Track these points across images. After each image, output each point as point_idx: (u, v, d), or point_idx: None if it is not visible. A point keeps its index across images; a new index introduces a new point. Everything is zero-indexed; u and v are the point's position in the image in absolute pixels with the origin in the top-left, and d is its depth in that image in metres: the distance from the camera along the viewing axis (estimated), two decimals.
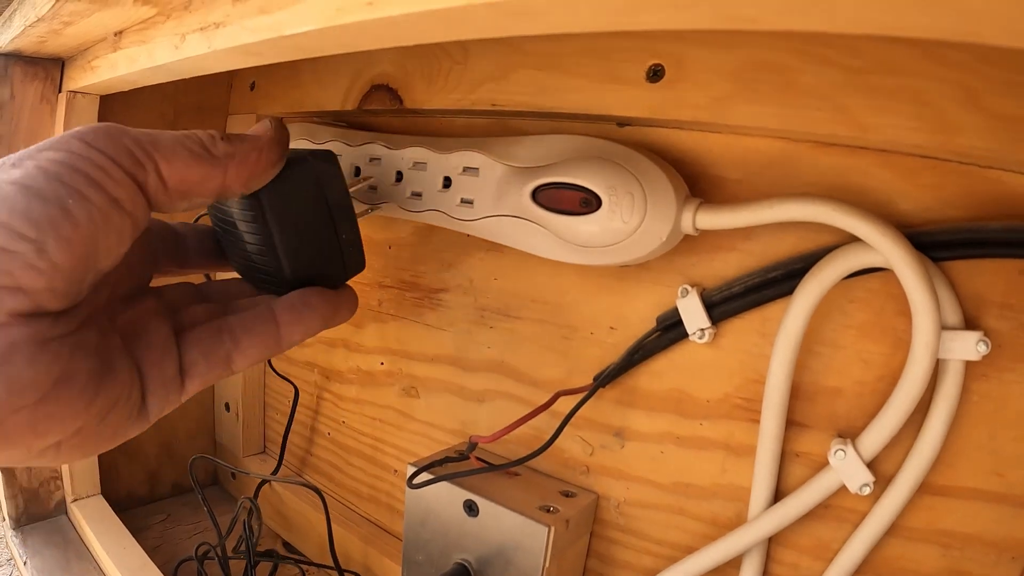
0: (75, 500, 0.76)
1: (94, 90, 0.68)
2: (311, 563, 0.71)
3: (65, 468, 0.75)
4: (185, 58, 0.48)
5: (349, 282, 0.50)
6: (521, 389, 0.58)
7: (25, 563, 0.70)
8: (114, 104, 0.71)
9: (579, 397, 0.53)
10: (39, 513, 0.77)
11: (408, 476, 0.56)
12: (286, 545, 0.79)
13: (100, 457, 0.76)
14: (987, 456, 0.44)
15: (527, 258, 0.56)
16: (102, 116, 0.70)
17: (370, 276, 0.68)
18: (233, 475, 0.88)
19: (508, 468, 0.54)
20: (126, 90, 0.65)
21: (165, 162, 0.36)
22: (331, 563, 0.68)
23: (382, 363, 0.69)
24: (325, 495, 0.74)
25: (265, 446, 0.87)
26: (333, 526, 0.70)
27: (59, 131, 0.69)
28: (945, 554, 0.46)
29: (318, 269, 0.47)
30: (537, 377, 0.58)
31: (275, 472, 0.78)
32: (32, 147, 0.33)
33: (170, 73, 0.54)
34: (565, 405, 0.53)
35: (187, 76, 0.54)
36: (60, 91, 0.69)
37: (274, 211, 0.43)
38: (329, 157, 0.47)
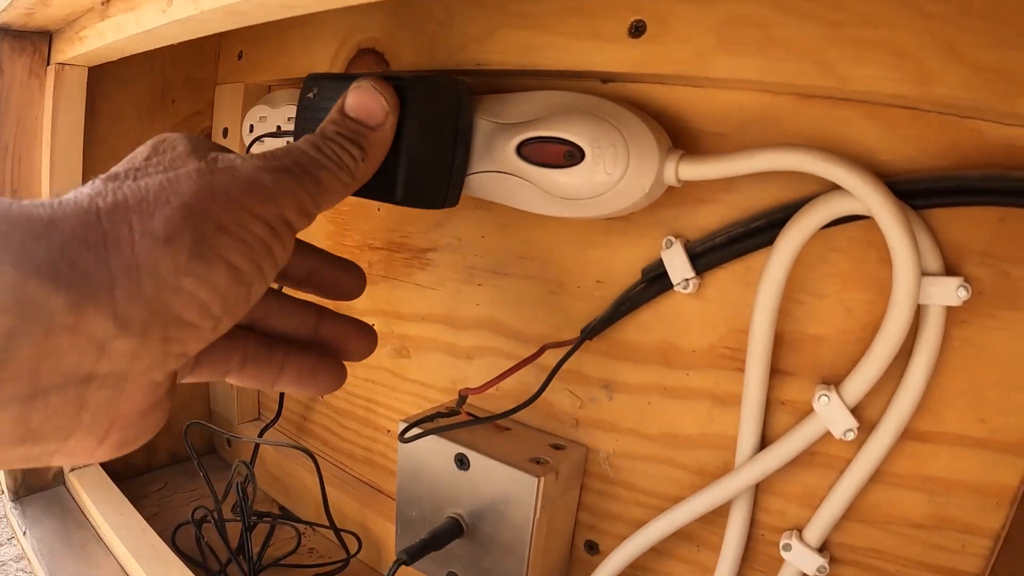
0: (73, 470, 0.78)
1: (82, 61, 0.68)
2: (308, 523, 0.72)
3: None
4: (172, 21, 0.49)
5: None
6: (511, 345, 0.60)
7: (25, 533, 0.71)
8: (104, 80, 0.71)
9: (566, 350, 0.53)
10: (37, 485, 0.78)
11: (400, 431, 0.57)
12: (283, 510, 0.80)
13: None
14: (970, 402, 0.45)
15: (514, 215, 0.57)
16: (92, 91, 0.71)
17: (359, 238, 0.69)
18: (229, 442, 0.89)
19: (496, 420, 0.55)
20: (114, 60, 0.66)
21: (325, 204, 0.37)
22: (326, 523, 0.69)
23: (373, 324, 0.70)
24: (321, 459, 0.75)
25: (260, 412, 0.88)
26: (330, 489, 0.72)
27: (48, 105, 0.69)
28: (931, 500, 0.48)
29: (426, 185, 0.48)
30: (526, 332, 0.59)
31: (262, 433, 0.79)
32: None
33: (158, 39, 0.55)
34: (553, 358, 0.54)
35: (175, 41, 0.55)
36: (48, 64, 0.70)
37: (413, 112, 0.45)
38: (469, 87, 0.49)
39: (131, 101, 0.76)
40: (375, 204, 0.67)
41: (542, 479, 0.53)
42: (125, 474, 0.84)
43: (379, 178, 0.45)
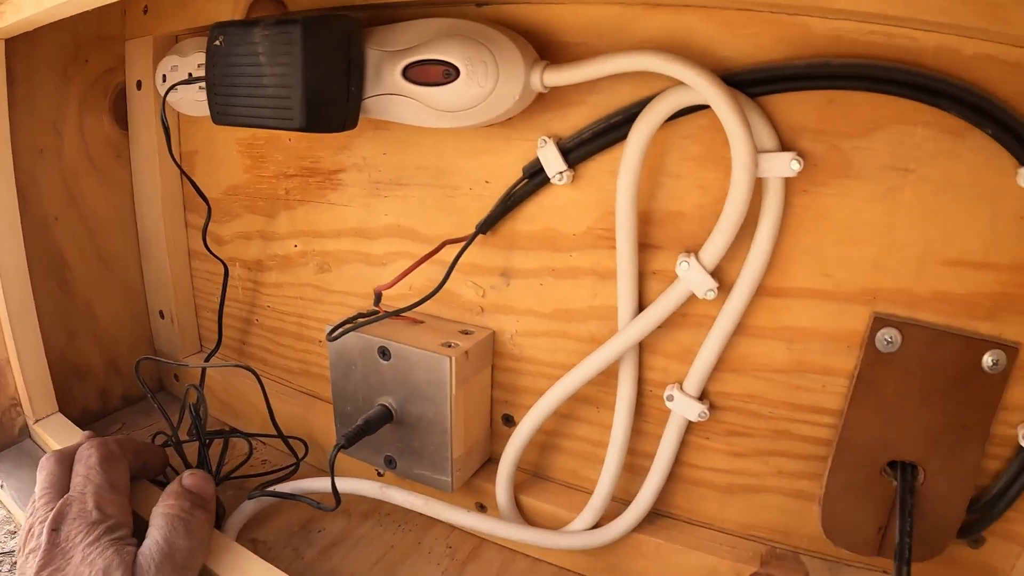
0: (37, 421, 0.81)
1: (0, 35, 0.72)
2: (257, 435, 0.79)
3: (23, 393, 0.80)
4: None
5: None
6: (418, 247, 0.66)
7: (2, 486, 0.76)
8: (18, 45, 0.74)
9: (464, 245, 0.61)
10: (5, 441, 0.82)
11: (327, 333, 0.64)
12: (233, 431, 0.86)
13: (54, 380, 0.82)
14: (814, 260, 0.53)
15: (410, 131, 0.64)
16: (8, 58, 0.73)
17: (275, 168, 0.75)
18: (176, 377, 0.95)
19: (406, 312, 0.62)
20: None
21: None
22: (274, 432, 0.76)
23: (296, 245, 0.77)
24: (263, 376, 0.81)
25: (201, 345, 0.94)
26: (275, 403, 0.78)
27: None
28: (790, 348, 0.56)
29: (325, 112, 0.56)
30: (430, 234, 0.66)
31: (207, 360, 0.85)
32: None
33: (75, 6, 0.59)
34: (454, 253, 0.62)
35: (90, 7, 0.58)
36: None
37: (309, 48, 0.52)
38: (358, 22, 0.56)
39: (46, 63, 0.78)
40: (286, 135, 0.73)
41: (452, 358, 0.60)
42: (84, 420, 0.89)
43: (282, 111, 0.52)
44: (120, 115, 0.85)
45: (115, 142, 0.85)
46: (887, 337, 0.52)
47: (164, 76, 0.77)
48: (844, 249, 0.52)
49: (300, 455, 0.78)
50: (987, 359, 0.50)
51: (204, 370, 0.81)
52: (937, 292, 0.51)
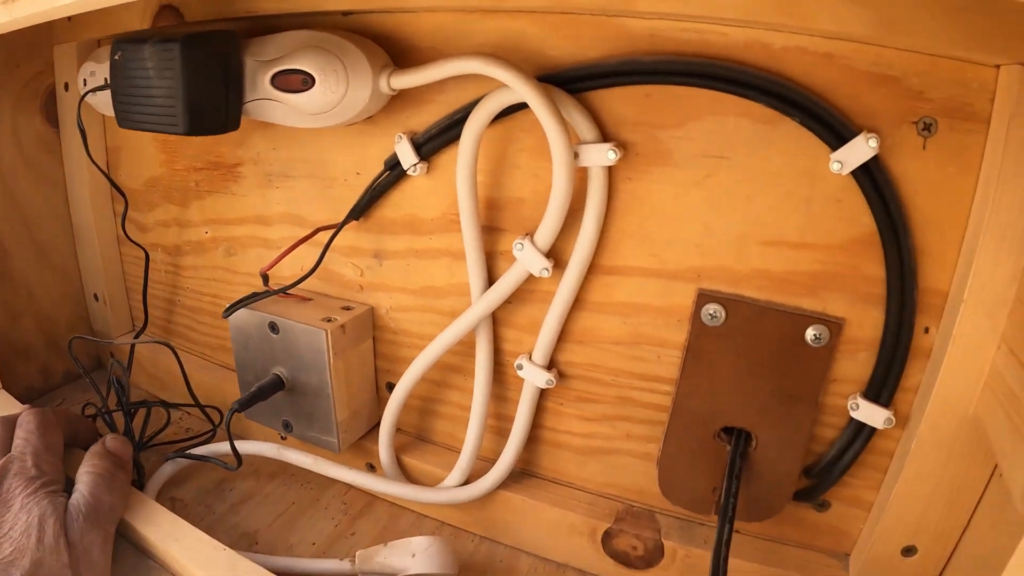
0: None
1: None
2: (177, 405, 0.86)
3: None
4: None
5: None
6: (305, 232, 0.72)
7: None
8: None
9: (335, 229, 0.68)
10: None
11: (224, 311, 0.71)
12: (162, 403, 0.93)
13: None
14: (641, 241, 0.59)
15: (294, 130, 0.71)
16: None
17: (185, 163, 0.81)
18: (112, 354, 1.02)
19: (291, 291, 0.69)
20: None
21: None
22: (192, 402, 0.83)
23: (206, 232, 0.83)
24: (186, 352, 0.89)
25: (133, 324, 1.00)
26: (196, 375, 0.85)
27: None
28: (626, 321, 0.62)
29: (206, 116, 0.62)
30: (315, 220, 0.73)
31: (138, 336, 0.92)
32: None
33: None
34: (339, 239, 0.69)
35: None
36: None
37: (188, 63, 0.59)
38: (235, 35, 0.62)
39: None
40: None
41: (328, 331, 0.68)
42: (28, 397, 0.94)
43: (170, 117, 0.59)
44: (51, 115, 0.90)
45: (47, 140, 0.91)
46: (711, 312, 0.58)
47: (84, 80, 0.82)
48: (668, 231, 0.58)
49: (216, 422, 0.85)
50: (810, 333, 0.55)
51: (133, 347, 0.88)
52: (758, 270, 0.57)
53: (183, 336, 0.93)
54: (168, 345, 0.80)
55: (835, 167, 0.50)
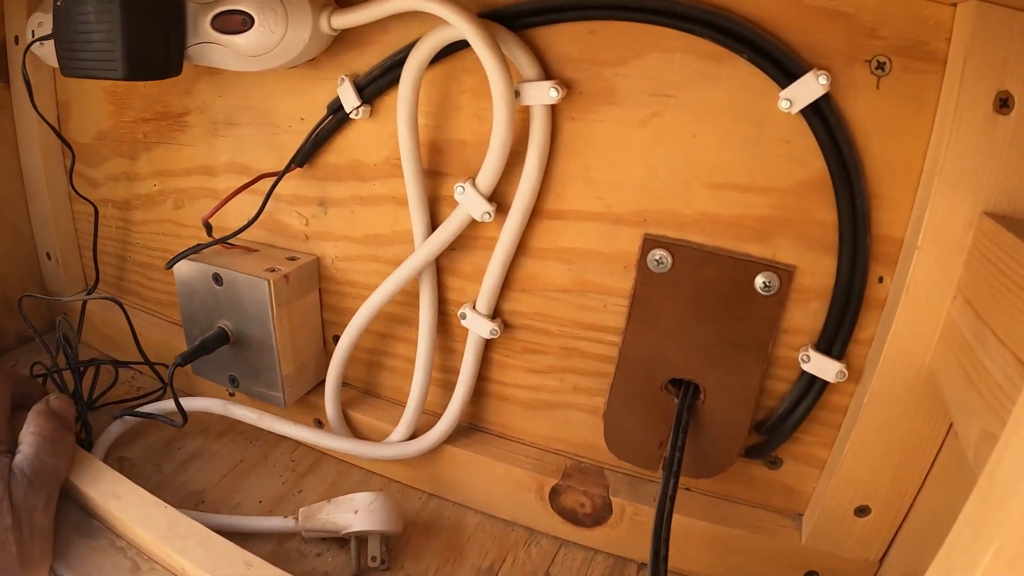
0: None
1: None
2: (126, 363, 0.83)
3: None
4: None
5: None
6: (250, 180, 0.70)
7: None
8: None
9: (278, 177, 0.66)
10: None
11: (167, 263, 0.69)
12: (115, 362, 0.91)
13: None
14: (585, 184, 0.57)
15: (240, 74, 0.68)
16: None
17: (134, 114, 0.79)
18: (65, 315, 0.99)
19: (228, 241, 0.67)
20: None
21: None
22: (141, 360, 0.81)
23: (155, 185, 0.81)
24: (138, 309, 0.87)
25: (87, 283, 0.98)
26: (148, 333, 0.83)
27: None
28: (571, 268, 0.60)
29: (146, 61, 0.60)
30: (260, 169, 0.70)
31: (92, 290, 0.89)
32: None
33: None
34: (283, 188, 0.67)
35: None
36: None
37: (126, 6, 0.56)
38: None
39: None
40: (141, 84, 0.76)
41: (271, 281, 0.65)
42: None
43: (109, 63, 0.56)
44: (2, 70, 0.88)
45: None
46: (657, 257, 0.56)
47: (32, 32, 0.80)
48: (612, 173, 0.56)
49: (167, 379, 0.82)
50: (759, 280, 0.54)
51: (84, 305, 0.86)
52: (705, 214, 0.55)
53: (135, 293, 0.91)
54: (116, 300, 0.78)
55: (784, 105, 0.49)
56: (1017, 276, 0.37)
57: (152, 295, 0.89)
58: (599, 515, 0.66)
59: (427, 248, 0.62)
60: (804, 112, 0.48)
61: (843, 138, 0.48)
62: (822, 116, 0.48)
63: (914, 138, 0.47)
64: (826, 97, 0.48)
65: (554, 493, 0.66)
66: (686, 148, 0.53)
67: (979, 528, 0.27)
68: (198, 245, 0.69)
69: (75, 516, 0.60)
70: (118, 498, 0.58)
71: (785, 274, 0.53)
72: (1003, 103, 0.42)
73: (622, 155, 0.55)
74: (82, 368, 0.80)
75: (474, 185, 0.58)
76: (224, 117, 0.71)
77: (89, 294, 0.87)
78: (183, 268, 0.70)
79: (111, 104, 0.81)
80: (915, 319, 0.48)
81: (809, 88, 0.48)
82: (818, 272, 0.54)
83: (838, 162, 0.49)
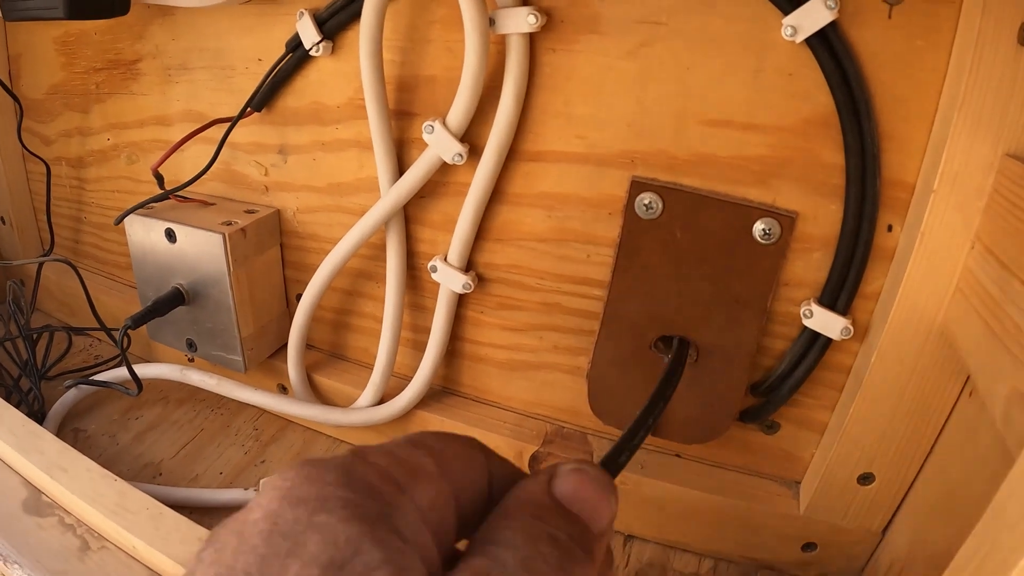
0: None
1: None
2: (81, 329, 0.77)
3: None
4: None
5: None
6: (209, 130, 0.63)
7: None
8: None
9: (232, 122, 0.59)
10: None
11: (115, 219, 0.62)
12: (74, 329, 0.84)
13: None
14: (566, 121, 0.51)
15: (195, 14, 0.61)
16: None
17: (86, 64, 0.72)
18: (22, 282, 0.92)
19: (178, 193, 0.60)
20: None
21: None
22: (97, 326, 0.74)
23: (108, 139, 0.74)
24: (95, 273, 0.80)
25: (43, 247, 0.91)
26: (105, 297, 0.77)
27: None
28: (551, 215, 0.54)
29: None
30: (217, 115, 0.63)
31: (47, 254, 0.82)
32: None
33: None
34: (240, 136, 0.61)
35: None
36: None
37: None
38: None
39: None
40: (93, 30, 0.69)
41: (227, 235, 0.59)
42: None
43: (47, 1, 0.50)
44: None
45: None
46: (646, 202, 0.50)
47: None
48: (597, 110, 0.50)
49: (125, 346, 0.76)
50: (758, 227, 0.48)
51: (39, 270, 0.79)
52: (699, 155, 0.49)
53: (91, 256, 0.84)
54: (69, 263, 0.72)
55: (787, 33, 0.42)
56: None
57: (109, 257, 0.82)
58: None
59: (393, 195, 0.55)
60: (809, 41, 0.42)
61: (852, 71, 0.43)
62: (829, 46, 0.42)
63: (929, 73, 0.41)
64: (833, 25, 0.42)
65: (534, 460, 0.61)
66: (678, 82, 0.47)
67: None
68: (149, 199, 0.62)
69: (21, 491, 0.54)
70: (64, 471, 0.53)
71: (786, 221, 0.47)
72: None
73: (607, 90, 0.49)
74: (35, 335, 0.73)
75: (444, 124, 0.52)
76: (178, 62, 0.65)
77: (42, 257, 0.81)
78: (134, 225, 0.63)
79: (62, 55, 0.74)
80: (929, 270, 0.43)
81: (816, 14, 0.41)
82: (822, 219, 0.48)
83: (846, 98, 0.43)
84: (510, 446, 0.61)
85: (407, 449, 0.25)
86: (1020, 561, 0.26)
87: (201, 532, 0.49)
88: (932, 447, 0.49)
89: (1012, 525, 0.28)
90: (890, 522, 0.54)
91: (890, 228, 0.47)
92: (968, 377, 0.45)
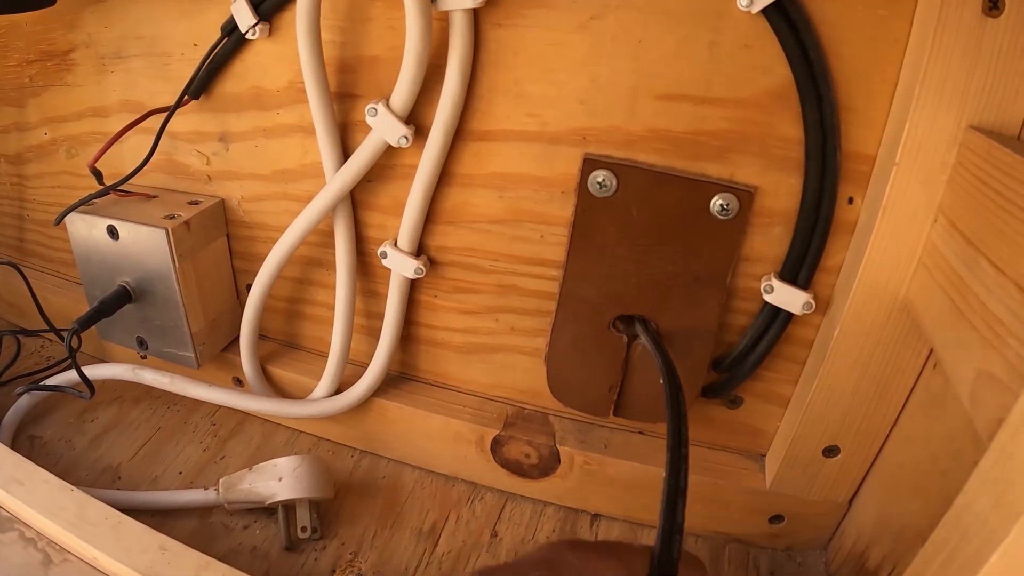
0: None
1: None
2: (32, 332, 0.72)
3: None
4: None
5: None
6: (147, 121, 0.58)
7: None
8: None
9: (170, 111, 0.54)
10: None
11: (55, 219, 0.57)
12: (23, 330, 0.79)
13: None
14: (516, 100, 0.47)
15: (125, 1, 0.56)
16: None
17: (18, 56, 0.66)
18: None
19: (118, 188, 0.56)
20: None
21: None
22: (46, 327, 0.69)
23: (46, 134, 0.68)
24: (42, 272, 0.75)
25: None
26: (53, 297, 0.72)
27: None
28: (502, 196, 0.51)
29: None
30: (155, 105, 0.58)
31: None
32: None
33: None
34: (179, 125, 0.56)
35: None
36: None
37: None
38: None
39: None
40: (24, 21, 0.64)
41: (170, 230, 0.54)
42: None
43: None
44: None
45: None
46: (600, 180, 0.47)
47: None
48: (547, 86, 0.47)
49: (76, 347, 0.70)
50: (716, 203, 0.45)
51: None
52: (654, 130, 0.46)
53: (37, 255, 0.78)
54: (13, 264, 0.67)
55: (743, 3, 0.40)
56: (1018, 197, 0.31)
57: (56, 255, 0.77)
58: (546, 465, 0.57)
59: (339, 180, 0.51)
60: (766, 12, 0.39)
61: (810, 41, 0.40)
62: (787, 17, 0.40)
63: (890, 44, 0.39)
64: None
65: (496, 444, 0.58)
66: (631, 55, 0.44)
67: (1002, 494, 0.24)
68: (89, 196, 0.57)
69: None
70: (21, 484, 0.49)
71: (745, 196, 0.45)
72: (993, 4, 0.34)
73: (558, 65, 0.46)
74: None
75: (388, 106, 0.48)
76: (112, 50, 0.59)
77: None
78: (76, 223, 0.58)
79: None
80: (891, 244, 0.41)
81: None
82: (782, 193, 0.45)
83: (804, 69, 0.41)
84: (471, 430, 0.58)
85: None
86: (992, 555, 0.25)
87: (161, 539, 0.46)
88: (896, 419, 0.47)
89: (983, 518, 0.26)
90: (856, 494, 0.52)
91: (851, 201, 0.44)
92: (931, 350, 0.43)
